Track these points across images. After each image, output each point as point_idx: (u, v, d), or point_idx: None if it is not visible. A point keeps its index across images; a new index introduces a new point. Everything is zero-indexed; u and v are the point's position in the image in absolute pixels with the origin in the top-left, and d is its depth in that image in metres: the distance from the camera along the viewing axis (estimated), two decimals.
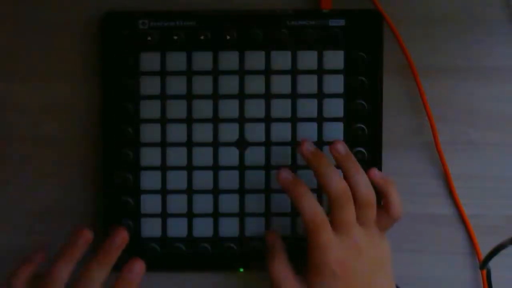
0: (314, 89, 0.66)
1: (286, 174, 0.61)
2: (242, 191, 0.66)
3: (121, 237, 0.60)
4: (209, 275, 0.67)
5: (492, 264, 0.63)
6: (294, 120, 0.66)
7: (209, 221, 0.66)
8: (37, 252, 0.62)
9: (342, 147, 0.61)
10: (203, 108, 0.66)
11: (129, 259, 0.61)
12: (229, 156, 0.66)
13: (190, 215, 0.66)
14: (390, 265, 0.63)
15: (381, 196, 0.62)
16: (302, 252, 0.66)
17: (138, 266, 0.60)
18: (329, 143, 0.62)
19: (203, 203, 0.66)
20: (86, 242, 0.60)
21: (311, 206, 0.60)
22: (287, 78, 0.66)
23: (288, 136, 0.66)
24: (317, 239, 0.60)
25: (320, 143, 0.66)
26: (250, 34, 0.65)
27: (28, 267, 0.61)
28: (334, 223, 0.60)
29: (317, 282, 0.60)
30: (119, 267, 0.61)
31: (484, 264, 0.63)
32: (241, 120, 0.66)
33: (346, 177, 0.61)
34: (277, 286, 0.61)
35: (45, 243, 0.63)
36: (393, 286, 0.63)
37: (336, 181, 0.60)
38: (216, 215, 0.66)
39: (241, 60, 0.66)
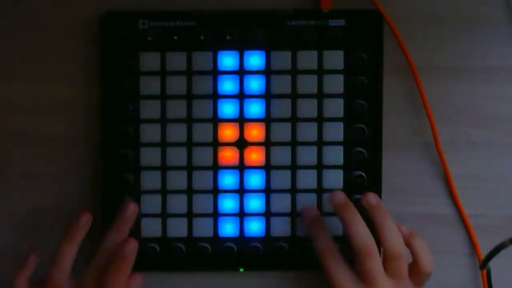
0: (314, 89, 0.66)
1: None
2: (242, 191, 0.66)
3: (132, 207, 0.64)
4: (209, 275, 0.67)
5: (492, 264, 0.63)
6: (294, 120, 0.66)
7: (209, 221, 0.66)
8: (30, 254, 0.62)
9: (373, 198, 0.62)
10: (203, 108, 0.66)
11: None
12: (229, 156, 0.66)
13: (190, 215, 0.66)
14: None
15: (409, 248, 0.62)
16: (302, 252, 0.66)
17: (132, 244, 0.62)
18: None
19: (203, 203, 0.66)
20: (87, 223, 0.62)
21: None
22: (287, 78, 0.66)
23: (288, 136, 0.66)
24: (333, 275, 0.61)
25: (320, 143, 0.66)
26: (250, 34, 0.65)
27: (26, 269, 0.62)
28: (359, 274, 0.61)
29: None
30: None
31: (484, 264, 0.62)
32: (241, 120, 0.66)
33: (375, 228, 0.61)
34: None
35: (34, 246, 0.64)
36: None
37: (360, 232, 0.60)
38: (216, 215, 0.66)
39: (241, 60, 0.66)
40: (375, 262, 0.60)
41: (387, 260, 0.61)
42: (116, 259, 0.61)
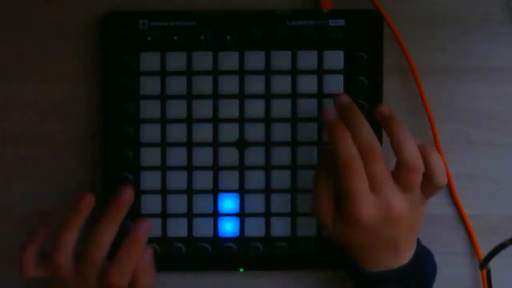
0: (314, 89, 0.66)
1: (329, 113, 0.60)
2: (242, 191, 0.66)
3: (128, 194, 0.61)
4: (209, 275, 0.67)
5: (492, 264, 0.63)
6: (294, 120, 0.66)
7: (209, 221, 0.66)
8: (40, 227, 0.62)
9: (386, 109, 0.61)
10: (203, 108, 0.66)
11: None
12: (229, 156, 0.66)
13: (190, 215, 0.66)
14: (420, 227, 0.62)
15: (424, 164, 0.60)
16: (302, 252, 0.66)
17: (145, 225, 0.60)
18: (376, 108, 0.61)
19: (203, 203, 0.66)
20: (89, 206, 0.60)
21: (348, 148, 0.58)
22: (287, 78, 0.66)
23: (288, 136, 0.66)
24: (349, 184, 0.58)
25: (320, 143, 0.66)
26: (250, 34, 0.65)
27: (35, 242, 0.61)
28: (371, 182, 0.59)
29: (346, 229, 0.60)
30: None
31: (484, 264, 0.63)
32: (241, 120, 0.66)
33: (390, 138, 0.60)
34: (322, 221, 0.62)
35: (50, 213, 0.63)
36: (415, 246, 0.62)
37: (364, 134, 0.59)
38: (215, 215, 0.66)
39: (241, 60, 0.66)
40: (379, 165, 0.59)
41: (402, 172, 0.59)
42: (129, 240, 0.60)
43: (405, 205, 0.60)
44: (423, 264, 0.63)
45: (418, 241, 0.63)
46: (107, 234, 0.60)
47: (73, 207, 0.60)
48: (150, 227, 0.61)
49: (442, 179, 0.61)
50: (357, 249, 0.61)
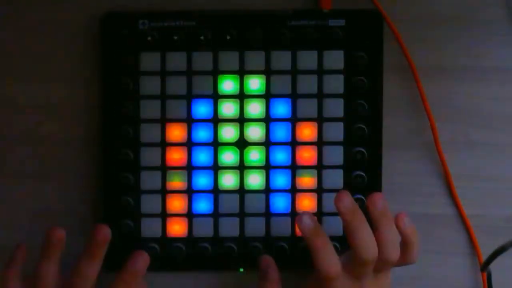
0: (314, 89, 0.66)
1: (308, 221, 0.59)
2: (242, 191, 0.66)
3: (103, 232, 0.60)
4: (209, 275, 0.67)
5: (492, 264, 0.63)
6: (294, 120, 0.66)
7: (209, 221, 0.66)
8: (16, 249, 0.62)
9: (379, 203, 0.60)
10: (203, 108, 0.66)
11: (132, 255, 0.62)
12: (229, 156, 0.66)
13: (190, 215, 0.66)
14: None
15: (403, 242, 0.61)
16: (301, 252, 0.66)
17: (143, 259, 0.61)
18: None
19: (203, 203, 0.66)
20: (60, 239, 0.60)
21: (328, 260, 0.59)
22: (287, 78, 0.66)
23: (288, 136, 0.66)
24: None
25: (320, 143, 0.66)
26: (250, 34, 0.66)
27: (15, 265, 0.61)
28: (351, 272, 0.60)
29: None
30: (118, 266, 0.61)
31: (485, 266, 0.62)
32: (241, 120, 0.66)
33: (377, 234, 0.59)
34: None
35: (34, 246, 0.62)
36: None
37: (365, 240, 0.59)
38: (216, 215, 0.66)
39: (241, 60, 0.66)
40: (369, 269, 0.60)
41: (380, 262, 0.60)
42: (126, 272, 0.60)
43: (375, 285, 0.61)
44: None
45: None
46: (88, 270, 0.60)
47: (45, 241, 0.60)
48: (147, 260, 0.61)
49: (416, 258, 0.62)
50: None
